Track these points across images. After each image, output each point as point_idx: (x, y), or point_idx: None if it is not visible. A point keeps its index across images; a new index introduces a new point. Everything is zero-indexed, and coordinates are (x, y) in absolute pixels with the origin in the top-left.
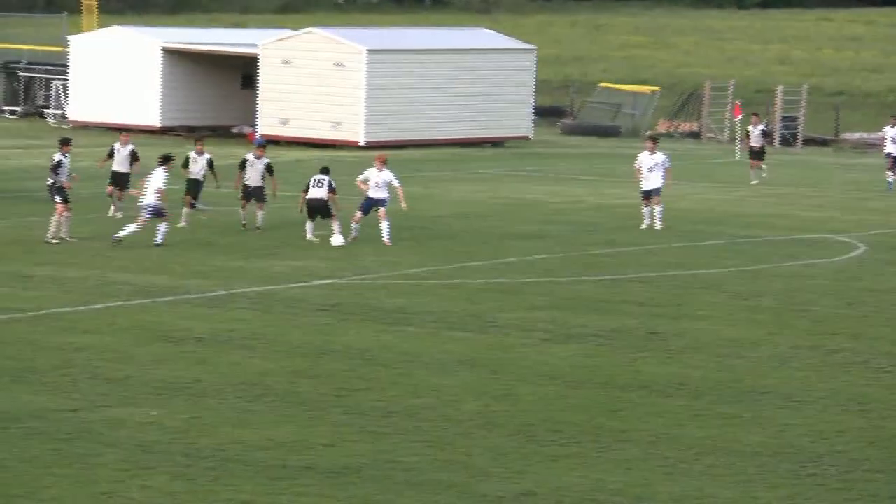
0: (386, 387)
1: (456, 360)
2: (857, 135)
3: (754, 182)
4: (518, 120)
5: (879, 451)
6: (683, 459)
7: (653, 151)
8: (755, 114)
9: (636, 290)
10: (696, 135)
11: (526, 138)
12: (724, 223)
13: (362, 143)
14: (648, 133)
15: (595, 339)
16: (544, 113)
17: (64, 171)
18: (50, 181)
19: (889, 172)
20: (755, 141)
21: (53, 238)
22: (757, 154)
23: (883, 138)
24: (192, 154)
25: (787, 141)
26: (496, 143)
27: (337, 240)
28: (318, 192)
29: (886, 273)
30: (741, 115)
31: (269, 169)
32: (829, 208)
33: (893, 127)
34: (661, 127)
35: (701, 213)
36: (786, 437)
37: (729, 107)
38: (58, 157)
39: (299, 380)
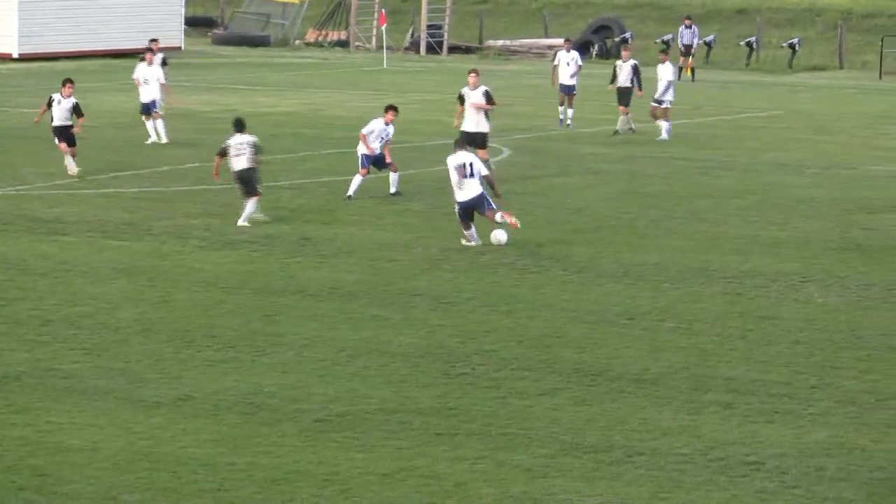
0: (44, 296)
1: (113, 268)
2: (500, 42)
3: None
4: (169, 30)
5: (526, 349)
6: (337, 361)
7: (568, 50)
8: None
9: (289, 197)
10: (344, 44)
11: (178, 49)
12: None
13: (16, 55)
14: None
15: (249, 245)
16: (195, 23)
17: None
18: None
19: (562, 108)
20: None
21: None
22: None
23: (555, 66)
24: None
25: (433, 49)
26: None
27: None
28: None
29: (531, 176)
30: (387, 24)
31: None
32: None
33: (568, 52)
34: (311, 36)
35: (350, 121)
36: (436, 337)
37: (376, 16)
38: None
39: None
